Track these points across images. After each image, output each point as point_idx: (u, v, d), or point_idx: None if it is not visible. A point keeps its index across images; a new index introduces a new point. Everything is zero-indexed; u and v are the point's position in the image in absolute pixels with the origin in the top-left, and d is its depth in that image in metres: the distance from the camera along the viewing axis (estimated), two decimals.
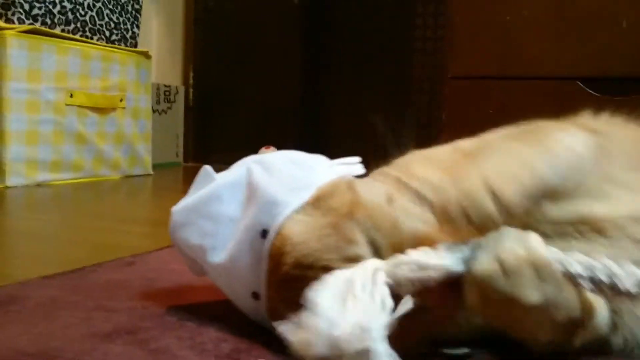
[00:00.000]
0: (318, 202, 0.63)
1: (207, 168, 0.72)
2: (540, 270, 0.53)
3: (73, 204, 2.00)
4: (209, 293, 0.84)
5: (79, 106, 2.37)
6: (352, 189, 0.64)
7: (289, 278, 0.60)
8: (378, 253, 0.59)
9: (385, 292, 0.52)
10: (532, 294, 0.53)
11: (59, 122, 2.30)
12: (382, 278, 0.53)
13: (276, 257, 0.61)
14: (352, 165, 0.73)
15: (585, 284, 0.53)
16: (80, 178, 2.40)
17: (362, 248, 0.59)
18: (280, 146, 3.40)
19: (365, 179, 0.70)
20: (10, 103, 2.14)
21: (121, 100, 2.58)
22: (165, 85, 3.44)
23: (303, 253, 0.59)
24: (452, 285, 0.54)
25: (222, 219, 0.69)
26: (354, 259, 0.58)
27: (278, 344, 0.65)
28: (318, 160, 0.73)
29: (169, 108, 3.51)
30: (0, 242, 1.26)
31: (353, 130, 3.32)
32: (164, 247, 1.14)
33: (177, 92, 3.56)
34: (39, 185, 2.23)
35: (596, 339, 0.60)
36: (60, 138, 2.32)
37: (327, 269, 0.57)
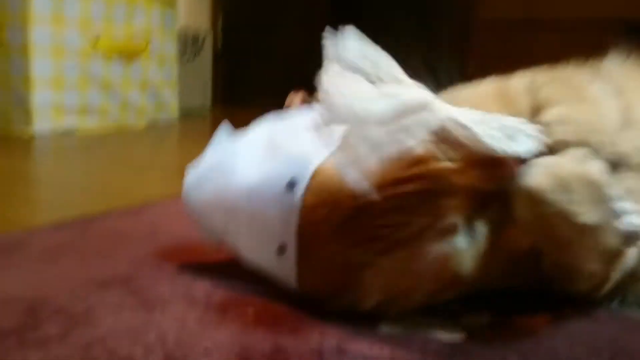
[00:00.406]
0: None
1: (225, 127, 0.72)
2: (596, 192, 0.53)
3: (97, 150, 2.02)
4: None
5: (103, 52, 2.38)
6: None
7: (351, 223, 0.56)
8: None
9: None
10: (587, 213, 0.53)
11: (84, 68, 2.31)
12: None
13: (317, 208, 0.58)
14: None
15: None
16: (106, 124, 2.42)
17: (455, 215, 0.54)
18: (311, 89, 3.36)
19: None
20: (35, 49, 2.15)
21: (146, 47, 2.57)
22: (193, 31, 3.41)
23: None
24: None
25: (237, 176, 0.66)
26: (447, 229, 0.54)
27: (270, 296, 0.65)
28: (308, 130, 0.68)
29: (197, 54, 3.49)
30: (18, 187, 1.29)
31: None
32: (176, 196, 1.15)
33: (205, 38, 3.53)
34: (65, 131, 2.26)
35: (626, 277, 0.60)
36: (86, 84, 2.33)
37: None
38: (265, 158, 0.65)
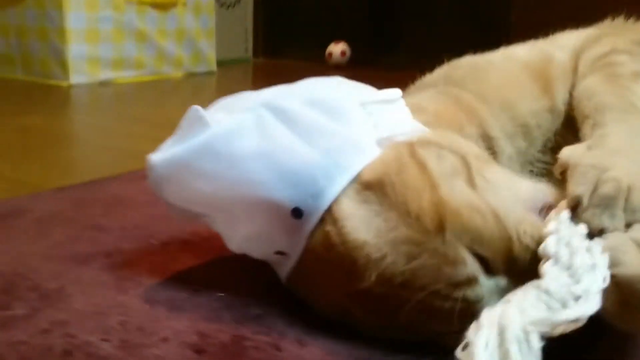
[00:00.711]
0: (379, 189, 0.50)
1: (197, 109, 0.55)
2: None
3: (127, 103, 2.04)
4: None
5: (138, 3, 2.37)
6: (424, 172, 0.50)
7: (372, 294, 0.49)
8: (487, 266, 0.47)
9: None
10: None
11: (119, 20, 2.31)
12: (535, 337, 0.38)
13: (333, 255, 0.50)
14: (391, 103, 0.59)
15: None
16: (142, 76, 2.44)
17: (472, 266, 0.46)
18: (351, 40, 3.29)
19: (427, 133, 0.57)
20: (70, 1, 2.16)
21: None
22: None
23: (389, 271, 0.47)
24: None
25: (221, 182, 0.53)
26: (464, 283, 0.46)
27: (245, 283, 0.65)
28: (348, 100, 0.57)
29: (237, 1, 3.44)
30: (35, 145, 1.31)
31: (422, 26, 3.14)
32: None
33: None
34: (102, 83, 2.28)
35: None
36: (121, 36, 2.34)
37: (434, 294, 0.46)
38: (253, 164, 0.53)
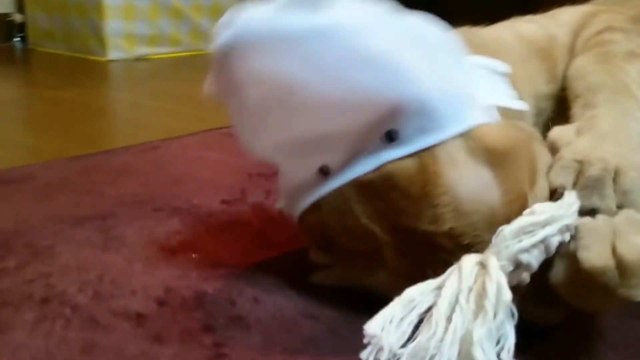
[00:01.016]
0: (493, 156, 0.48)
1: None
2: None
3: (161, 79, 2.11)
4: (204, 186, 0.90)
5: None
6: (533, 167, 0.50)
7: (428, 240, 0.48)
8: None
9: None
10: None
11: None
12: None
13: (414, 189, 0.47)
14: (498, 74, 0.57)
15: None
16: (178, 52, 2.51)
17: None
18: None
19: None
20: None
21: None
22: None
23: (464, 231, 0.47)
24: None
25: (327, 75, 0.47)
26: None
27: (222, 245, 0.69)
28: (458, 51, 0.53)
29: None
30: (62, 117, 1.39)
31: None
32: (199, 131, 1.21)
33: None
34: (138, 59, 2.37)
35: None
36: (156, 13, 2.41)
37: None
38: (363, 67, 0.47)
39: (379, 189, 0.49)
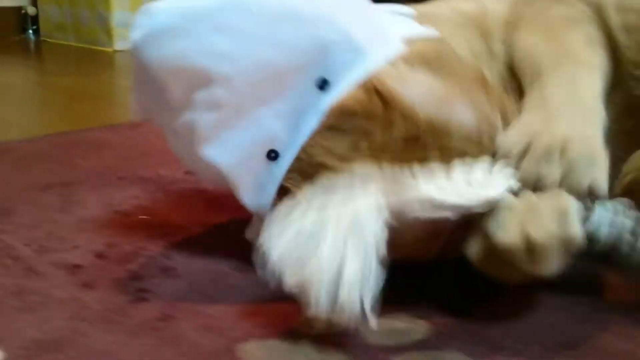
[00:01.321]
0: (428, 62, 0.51)
1: None
2: (568, 247, 0.46)
3: None
4: (173, 159, 0.93)
5: None
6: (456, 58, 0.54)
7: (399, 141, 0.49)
8: None
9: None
10: (551, 269, 0.46)
11: None
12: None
13: (375, 109, 0.48)
14: (404, 14, 0.61)
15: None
16: None
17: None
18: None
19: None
20: None
21: None
22: None
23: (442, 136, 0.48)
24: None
25: (245, 39, 0.49)
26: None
27: (176, 211, 0.73)
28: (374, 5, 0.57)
29: None
30: (60, 100, 1.44)
31: None
32: None
33: None
34: None
35: None
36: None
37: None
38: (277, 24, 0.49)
39: (340, 127, 0.49)
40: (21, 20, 2.70)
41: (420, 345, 0.47)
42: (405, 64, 0.51)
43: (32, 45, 2.58)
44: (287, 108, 0.50)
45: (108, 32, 2.36)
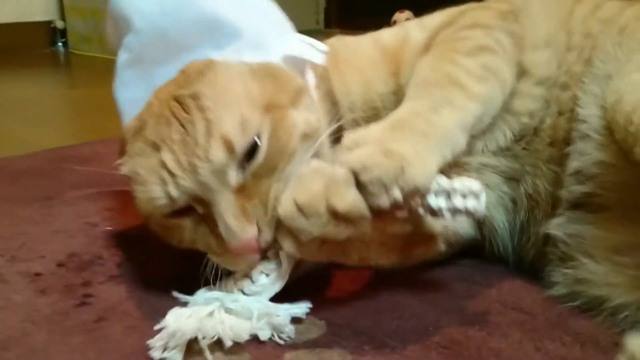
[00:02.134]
0: (260, 70, 0.60)
1: None
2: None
3: None
4: None
5: None
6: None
7: None
8: None
9: None
10: (341, 232, 0.51)
11: None
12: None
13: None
14: (314, 48, 0.68)
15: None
16: None
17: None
18: (415, 10, 3.25)
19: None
20: None
21: None
22: None
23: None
24: None
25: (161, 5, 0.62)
26: None
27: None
28: (287, 25, 0.68)
29: None
30: (65, 113, 1.55)
31: None
32: None
33: None
34: None
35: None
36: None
37: None
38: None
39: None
40: (51, 33, 2.86)
41: (310, 344, 0.53)
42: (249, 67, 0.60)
43: (61, 57, 2.73)
44: (172, 71, 0.61)
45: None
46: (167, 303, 0.56)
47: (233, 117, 0.54)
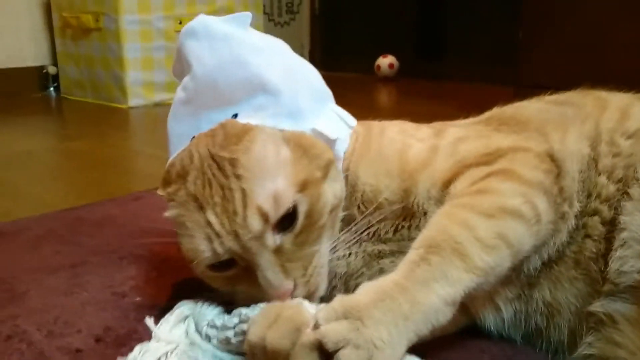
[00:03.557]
0: (294, 143, 0.66)
1: (248, 15, 0.75)
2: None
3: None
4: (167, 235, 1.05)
5: None
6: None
7: None
8: None
9: None
10: None
11: (170, 48, 2.58)
12: None
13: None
14: (346, 124, 0.74)
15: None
16: None
17: None
18: (399, 53, 3.38)
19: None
20: (127, 34, 2.46)
21: None
22: None
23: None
24: None
25: (219, 57, 0.70)
26: None
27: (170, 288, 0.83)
28: (330, 98, 0.75)
29: (292, 19, 3.66)
30: (70, 168, 1.58)
31: (465, 38, 3.21)
32: None
33: (301, 3, 3.68)
34: (156, 104, 2.57)
35: None
36: (172, 61, 2.61)
37: None
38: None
39: None
40: (43, 78, 2.89)
41: None
42: (282, 135, 0.67)
43: (53, 103, 2.76)
44: (216, 118, 0.69)
45: (123, 90, 2.52)
46: None
47: (267, 190, 0.61)
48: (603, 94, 0.75)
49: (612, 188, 0.64)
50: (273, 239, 0.61)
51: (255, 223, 0.60)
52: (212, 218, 0.61)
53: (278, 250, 0.62)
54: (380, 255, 0.71)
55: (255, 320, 0.58)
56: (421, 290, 0.55)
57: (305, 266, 0.63)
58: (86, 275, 0.89)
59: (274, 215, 0.60)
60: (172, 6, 2.57)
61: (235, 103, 0.69)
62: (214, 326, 0.63)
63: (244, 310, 0.61)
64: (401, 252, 0.63)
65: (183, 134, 0.72)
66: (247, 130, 0.65)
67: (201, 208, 0.62)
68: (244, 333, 0.60)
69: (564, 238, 0.64)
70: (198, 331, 0.65)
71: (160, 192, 0.69)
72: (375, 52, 3.42)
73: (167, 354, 0.63)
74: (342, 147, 0.74)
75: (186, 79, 0.73)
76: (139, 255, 0.96)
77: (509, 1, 2.95)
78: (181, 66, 0.76)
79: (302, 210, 0.62)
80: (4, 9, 2.75)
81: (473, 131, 0.74)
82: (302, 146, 0.66)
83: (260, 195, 0.60)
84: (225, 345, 0.62)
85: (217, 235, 0.61)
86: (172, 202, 0.66)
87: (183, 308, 0.68)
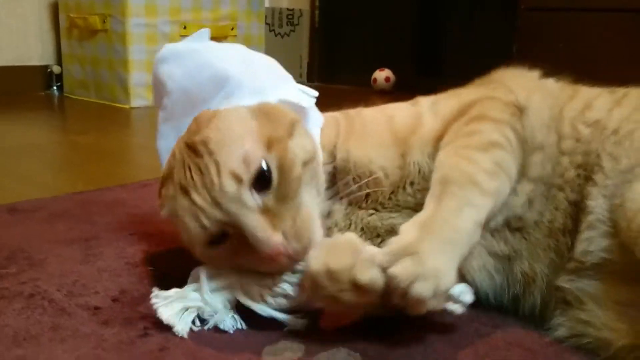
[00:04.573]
0: (260, 112, 0.72)
1: (206, 30, 0.83)
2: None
3: None
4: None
5: None
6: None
7: None
8: None
9: None
10: (349, 299, 0.62)
11: None
12: None
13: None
14: (309, 95, 0.80)
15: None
16: None
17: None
18: (395, 67, 3.44)
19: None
20: (132, 36, 2.52)
21: (232, 29, 2.86)
22: (288, 9, 3.66)
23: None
24: None
25: (188, 71, 0.77)
26: None
27: (181, 261, 0.88)
28: (286, 76, 0.82)
29: (292, 31, 3.73)
30: (78, 159, 1.63)
31: (462, 53, 3.29)
32: None
33: (302, 15, 3.76)
34: None
35: None
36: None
37: None
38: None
39: None
40: (47, 77, 2.94)
41: None
42: (248, 109, 0.73)
43: (56, 101, 2.80)
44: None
45: (126, 90, 2.57)
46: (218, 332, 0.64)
47: (236, 155, 0.66)
48: (579, 87, 0.82)
49: (572, 173, 0.71)
50: (253, 199, 0.65)
51: (229, 185, 0.64)
52: (195, 196, 0.66)
53: (265, 211, 0.65)
54: (377, 230, 0.77)
55: (313, 253, 0.64)
56: (458, 216, 0.64)
57: (293, 217, 0.66)
58: (100, 247, 0.94)
59: (247, 175, 0.64)
60: (178, 12, 2.64)
61: (208, 101, 0.76)
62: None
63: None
64: (395, 231, 0.68)
65: (170, 147, 0.76)
66: (215, 113, 0.71)
67: (186, 193, 0.67)
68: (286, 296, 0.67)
69: (536, 173, 0.72)
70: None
71: (157, 201, 0.75)
72: (373, 66, 3.49)
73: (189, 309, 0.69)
74: (314, 115, 0.81)
75: (164, 100, 0.81)
76: (149, 232, 1.01)
77: (506, 17, 3.04)
78: (159, 92, 0.83)
79: (273, 166, 0.66)
80: (15, 10, 2.81)
81: (444, 94, 0.84)
82: (265, 113, 0.72)
83: (231, 160, 0.65)
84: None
85: (202, 210, 0.65)
86: (165, 202, 0.72)
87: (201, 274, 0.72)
